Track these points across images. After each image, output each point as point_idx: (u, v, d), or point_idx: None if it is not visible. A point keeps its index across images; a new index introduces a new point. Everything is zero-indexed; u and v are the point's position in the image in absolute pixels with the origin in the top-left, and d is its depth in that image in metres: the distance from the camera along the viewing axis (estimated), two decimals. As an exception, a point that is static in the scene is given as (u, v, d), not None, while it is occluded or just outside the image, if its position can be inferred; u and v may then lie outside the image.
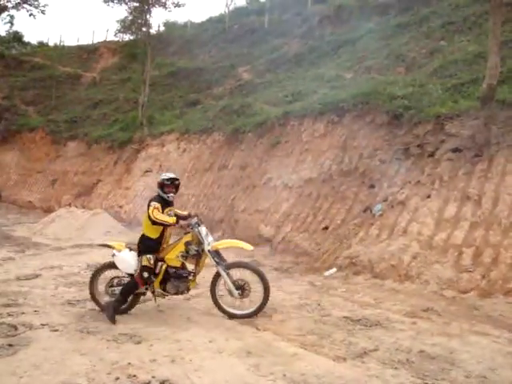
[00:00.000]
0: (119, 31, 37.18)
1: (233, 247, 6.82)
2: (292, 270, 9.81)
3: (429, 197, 8.90)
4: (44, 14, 31.64)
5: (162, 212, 6.26)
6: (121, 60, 35.97)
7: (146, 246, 6.41)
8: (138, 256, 6.42)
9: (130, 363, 4.83)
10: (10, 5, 44.79)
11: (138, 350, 5.25)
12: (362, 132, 11.44)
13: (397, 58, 16.23)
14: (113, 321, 6.12)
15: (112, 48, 38.41)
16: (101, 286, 6.82)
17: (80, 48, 41.11)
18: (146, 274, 6.28)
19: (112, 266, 6.63)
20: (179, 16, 43.82)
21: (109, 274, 6.80)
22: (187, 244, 6.39)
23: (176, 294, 6.54)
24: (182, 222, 6.39)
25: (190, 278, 6.48)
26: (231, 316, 6.45)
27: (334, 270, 9.10)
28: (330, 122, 12.43)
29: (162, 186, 6.47)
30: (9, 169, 28.78)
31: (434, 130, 9.80)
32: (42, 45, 46.25)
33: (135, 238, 14.37)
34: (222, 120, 17.45)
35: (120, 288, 6.53)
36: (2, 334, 5.73)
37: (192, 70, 27.99)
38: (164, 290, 6.50)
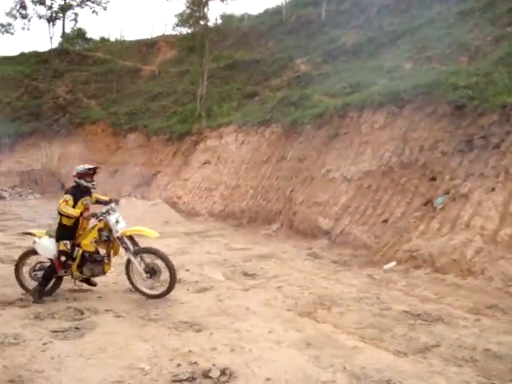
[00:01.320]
0: (177, 25, 37.89)
1: (139, 234, 7.09)
2: (351, 263, 9.73)
3: (493, 190, 8.60)
4: (106, 10, 32.47)
5: (76, 202, 6.77)
6: (179, 53, 36.40)
7: (61, 232, 6.86)
8: (56, 242, 6.86)
9: (190, 350, 4.93)
10: (74, 3, 46.83)
11: (198, 338, 5.35)
12: (423, 123, 11.17)
13: (459, 47, 15.72)
14: (39, 301, 6.64)
15: (170, 42, 38.94)
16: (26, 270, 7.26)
17: (139, 42, 41.84)
18: (63, 258, 6.78)
19: (34, 252, 7.12)
20: (236, 8, 44.05)
21: (33, 259, 7.26)
22: (100, 230, 6.86)
23: (92, 276, 7.05)
24: (84, 214, 6.72)
25: (105, 261, 7.00)
26: (146, 296, 6.90)
27: (394, 263, 8.96)
28: (390, 114, 12.19)
29: (83, 175, 6.96)
30: (72, 160, 29.60)
31: (500, 121, 9.44)
32: (103, 40, 47.44)
33: (193, 228, 14.68)
34: (280, 112, 17.42)
35: (42, 272, 7.02)
36: (70, 317, 6.01)
37: (249, 62, 28.05)
38: (81, 273, 6.95)
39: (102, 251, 7.07)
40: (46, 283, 6.87)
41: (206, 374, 4.38)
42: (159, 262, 6.81)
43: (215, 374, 4.39)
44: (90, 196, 7.11)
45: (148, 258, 6.89)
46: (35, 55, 43.08)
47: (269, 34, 31.43)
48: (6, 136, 31.24)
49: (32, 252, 7.20)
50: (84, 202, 6.88)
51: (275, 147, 16.36)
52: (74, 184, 7.00)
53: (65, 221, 6.81)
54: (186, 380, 4.29)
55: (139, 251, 6.93)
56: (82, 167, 7.03)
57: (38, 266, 7.13)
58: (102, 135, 29.14)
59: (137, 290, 7.00)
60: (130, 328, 5.67)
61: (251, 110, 20.54)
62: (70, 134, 30.74)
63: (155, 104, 29.03)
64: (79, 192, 6.90)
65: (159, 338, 5.30)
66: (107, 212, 6.84)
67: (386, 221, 10.49)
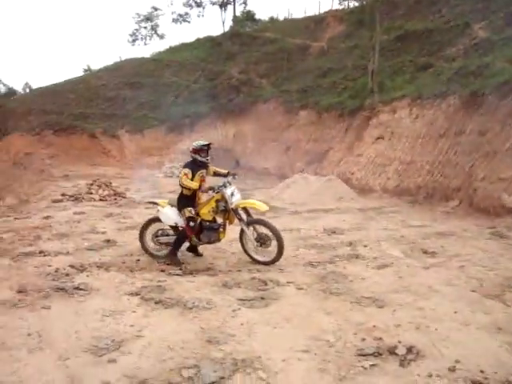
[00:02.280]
0: (344, -1, 37.43)
1: (249, 207, 7.79)
2: (542, 245, 9.03)
3: None
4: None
5: (194, 175, 7.50)
6: (348, 27, 35.81)
7: (183, 202, 7.62)
8: (179, 211, 7.64)
9: (375, 326, 4.96)
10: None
11: (382, 314, 5.36)
12: None
13: None
14: (179, 264, 7.52)
15: (338, 16, 38.42)
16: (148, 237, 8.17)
17: (307, 19, 41.88)
18: (192, 223, 7.52)
19: (157, 220, 8.02)
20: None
21: (155, 226, 8.13)
22: (217, 201, 7.61)
23: (208, 242, 7.81)
24: (203, 187, 7.61)
25: (220, 230, 7.74)
26: (257, 262, 7.60)
27: None
28: None
29: (198, 151, 7.63)
30: (246, 138, 30.98)
31: None
32: (272, 20, 48.34)
33: (367, 204, 14.63)
34: (458, 83, 16.59)
35: (164, 237, 8.01)
36: (254, 287, 6.38)
37: (421, 31, 26.67)
38: (199, 239, 7.76)
39: (219, 220, 7.85)
40: (178, 247, 7.75)
41: (391, 351, 4.38)
42: (269, 233, 7.43)
43: (401, 351, 4.37)
44: (207, 169, 7.83)
45: (259, 229, 7.54)
46: (209, 40, 45.38)
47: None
48: (186, 117, 33.48)
49: (155, 219, 8.11)
50: (200, 175, 7.62)
51: (452, 120, 15.63)
52: (191, 159, 7.71)
53: (185, 191, 7.60)
54: (372, 355, 4.33)
55: (252, 222, 7.66)
56: (197, 143, 7.75)
57: (160, 232, 8.07)
58: (274, 113, 29.89)
59: (249, 256, 7.72)
60: (313, 300, 5.84)
61: (425, 83, 19.74)
62: (244, 113, 32.01)
63: (325, 80, 29.00)
64: (195, 166, 7.61)
65: (342, 312, 5.40)
66: (224, 185, 7.57)
67: None
